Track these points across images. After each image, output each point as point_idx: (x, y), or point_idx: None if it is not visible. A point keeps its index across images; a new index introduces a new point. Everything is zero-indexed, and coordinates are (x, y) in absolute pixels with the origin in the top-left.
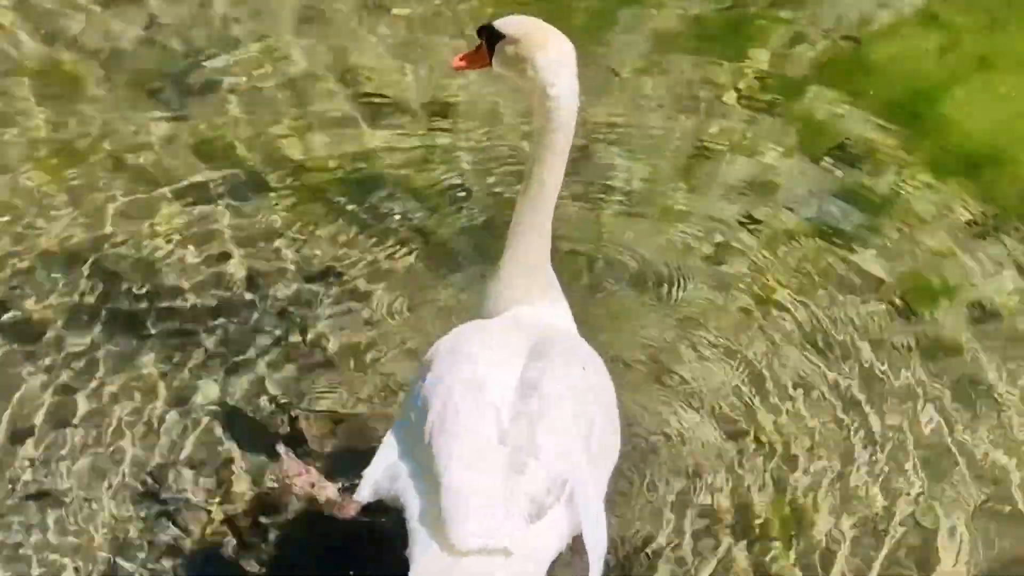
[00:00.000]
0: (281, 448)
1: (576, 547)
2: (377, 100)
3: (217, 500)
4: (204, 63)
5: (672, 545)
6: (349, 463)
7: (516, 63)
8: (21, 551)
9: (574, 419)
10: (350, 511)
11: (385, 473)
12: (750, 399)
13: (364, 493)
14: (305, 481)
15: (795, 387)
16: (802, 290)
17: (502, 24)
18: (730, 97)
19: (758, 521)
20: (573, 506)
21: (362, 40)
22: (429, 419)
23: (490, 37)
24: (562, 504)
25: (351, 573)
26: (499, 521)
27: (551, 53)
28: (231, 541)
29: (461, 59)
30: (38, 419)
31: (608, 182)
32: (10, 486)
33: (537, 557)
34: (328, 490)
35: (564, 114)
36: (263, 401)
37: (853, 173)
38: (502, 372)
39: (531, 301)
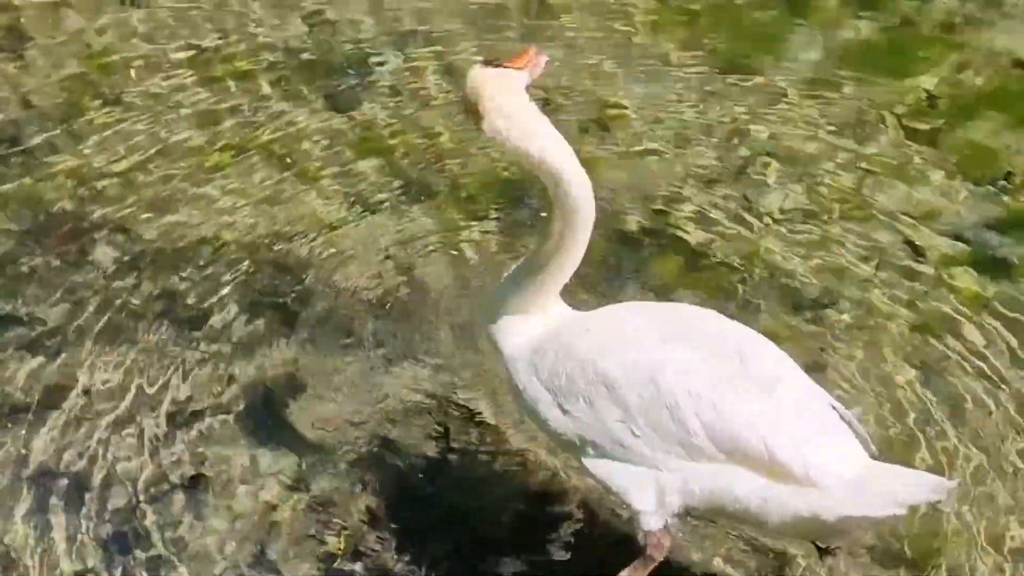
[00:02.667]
0: None
1: None
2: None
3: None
4: (372, 62)
5: None
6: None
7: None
8: (173, 533)
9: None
10: (666, 541)
11: (652, 492)
12: (897, 426)
13: (658, 521)
14: None
15: (951, 418)
16: (957, 319)
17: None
18: (894, 121)
19: None
20: None
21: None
22: (662, 414)
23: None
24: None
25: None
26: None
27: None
28: None
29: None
30: (199, 404)
31: (765, 201)
32: (163, 470)
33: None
34: None
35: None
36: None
37: (1017, 203)
38: (670, 350)
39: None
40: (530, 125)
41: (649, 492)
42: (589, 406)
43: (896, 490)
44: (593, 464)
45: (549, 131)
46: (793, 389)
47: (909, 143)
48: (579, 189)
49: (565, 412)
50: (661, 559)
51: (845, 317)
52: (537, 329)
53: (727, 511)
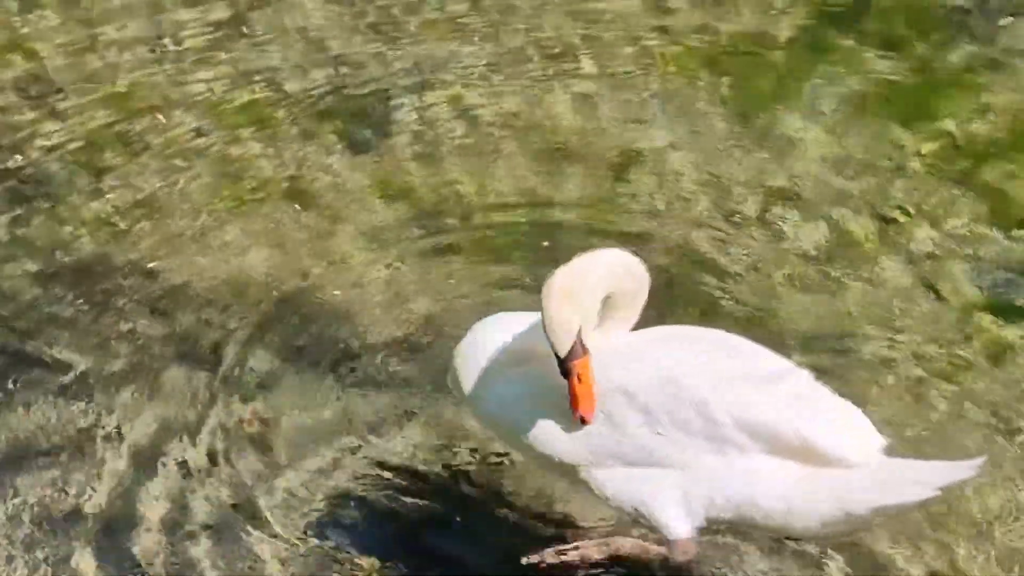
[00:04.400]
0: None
1: None
2: (559, 150)
3: None
4: (391, 105)
5: None
6: None
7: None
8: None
9: None
10: (692, 550)
11: (676, 500)
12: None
13: (686, 529)
14: (609, 551)
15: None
16: (977, 366)
17: (561, 349)
18: (917, 163)
19: None
20: None
21: (548, 91)
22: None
23: (568, 359)
24: None
25: None
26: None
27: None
28: None
29: (583, 416)
30: (219, 446)
31: (785, 244)
32: (185, 514)
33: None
34: (646, 547)
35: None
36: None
37: None
38: (681, 353)
39: None
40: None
41: (672, 501)
42: (607, 419)
43: (926, 475)
44: (611, 482)
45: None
46: (806, 380)
47: (932, 186)
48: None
49: (577, 431)
50: (685, 561)
51: (867, 360)
52: (514, 370)
53: (754, 515)
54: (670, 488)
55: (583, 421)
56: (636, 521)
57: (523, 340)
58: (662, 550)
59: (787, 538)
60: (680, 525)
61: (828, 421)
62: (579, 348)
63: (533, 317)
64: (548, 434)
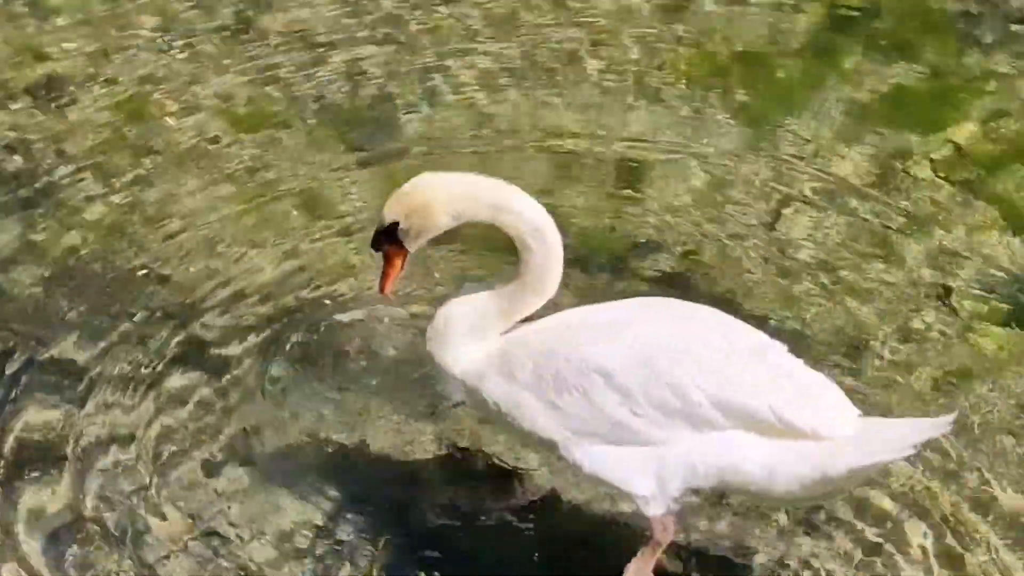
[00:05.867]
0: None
1: None
2: (569, 158)
3: None
4: (404, 114)
5: None
6: None
7: (427, 233)
8: None
9: None
10: (670, 526)
11: (653, 477)
12: (927, 480)
13: (660, 507)
14: None
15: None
16: (992, 371)
17: (383, 216)
18: (927, 170)
19: None
20: None
21: (557, 97)
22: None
23: (386, 237)
24: None
25: None
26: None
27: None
28: None
29: (384, 287)
30: (226, 453)
31: (796, 253)
32: (191, 519)
33: None
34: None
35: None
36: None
37: None
38: (656, 331)
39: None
40: (479, 193)
41: (649, 477)
42: (583, 397)
43: (901, 434)
44: (589, 458)
45: (491, 183)
46: (780, 354)
47: (941, 194)
48: (544, 226)
49: (556, 408)
50: (668, 543)
51: (875, 365)
52: (493, 345)
53: (733, 484)
54: (647, 465)
55: (381, 291)
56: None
57: (488, 315)
58: (650, 551)
59: (766, 505)
60: (655, 502)
61: (803, 397)
62: (407, 242)
63: (488, 291)
64: (528, 411)
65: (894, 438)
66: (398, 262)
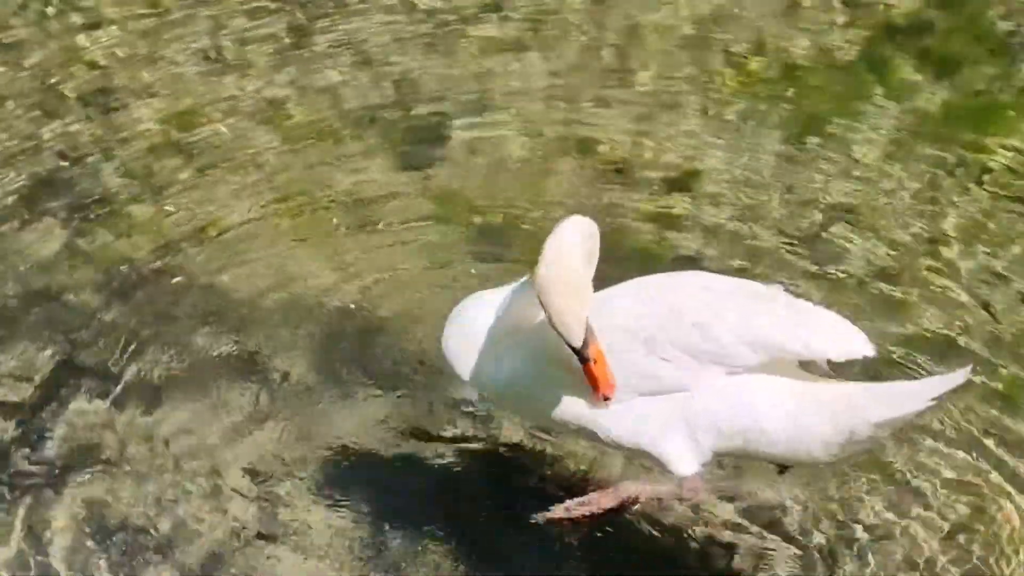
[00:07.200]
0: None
1: None
2: (613, 169)
3: None
4: (448, 122)
5: None
6: None
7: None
8: None
9: None
10: (700, 490)
11: (683, 435)
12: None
13: (692, 465)
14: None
15: None
16: None
17: (575, 341)
18: (975, 186)
19: None
20: None
21: (605, 108)
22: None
23: (584, 348)
24: None
25: None
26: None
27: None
28: None
29: (605, 395)
30: (269, 460)
31: (842, 266)
32: (232, 526)
33: None
34: (655, 488)
35: None
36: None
37: None
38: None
39: None
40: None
41: (679, 436)
42: (610, 353)
43: (920, 388)
44: (616, 427)
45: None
46: (787, 295)
47: (990, 208)
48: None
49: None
50: (694, 502)
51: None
52: (506, 345)
53: (759, 441)
54: (675, 426)
55: (606, 399)
56: (644, 464)
57: (506, 313)
58: (671, 488)
59: (789, 465)
60: (686, 462)
61: (826, 327)
62: (590, 333)
63: (506, 289)
64: (557, 397)
65: (913, 391)
66: (602, 353)
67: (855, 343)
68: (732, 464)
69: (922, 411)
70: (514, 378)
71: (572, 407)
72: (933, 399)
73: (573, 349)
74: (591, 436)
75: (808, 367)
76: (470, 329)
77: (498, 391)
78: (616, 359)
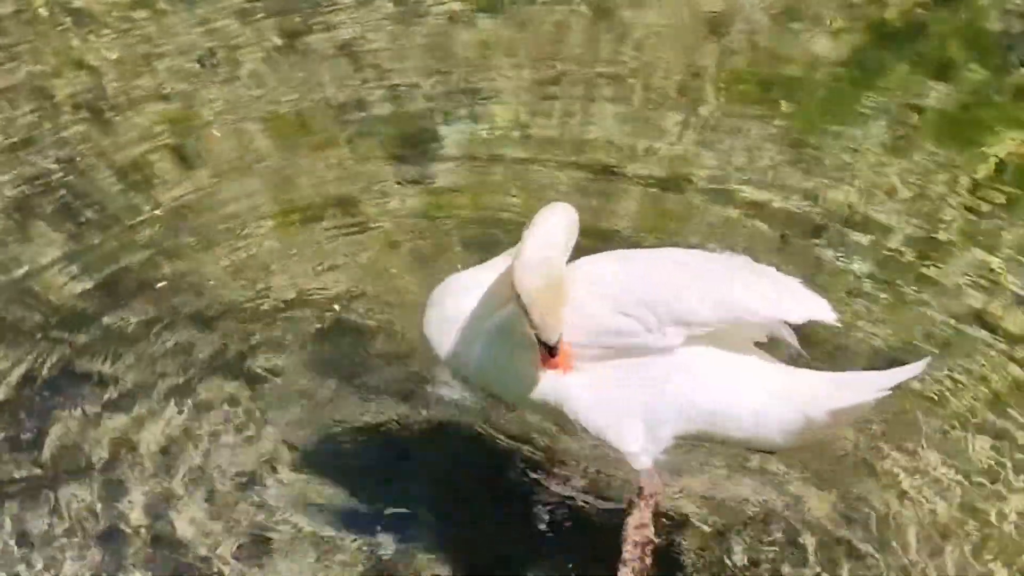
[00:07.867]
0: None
1: None
2: (609, 172)
3: None
4: (444, 130)
5: None
6: None
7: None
8: None
9: None
10: (657, 481)
11: (641, 429)
12: (965, 487)
13: (645, 460)
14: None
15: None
16: None
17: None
18: (967, 189)
19: None
20: None
21: (599, 113)
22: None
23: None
24: None
25: None
26: None
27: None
28: None
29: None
30: (266, 464)
31: (839, 265)
32: (227, 530)
33: None
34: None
35: None
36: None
37: None
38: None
39: None
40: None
41: (637, 430)
42: (574, 309)
43: (877, 377)
44: (584, 412)
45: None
46: (752, 263)
47: (981, 213)
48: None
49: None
50: (660, 496)
51: (916, 388)
52: (484, 326)
53: (723, 425)
54: (636, 414)
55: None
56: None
57: (483, 294)
58: (644, 504)
59: (748, 450)
60: (644, 454)
61: (794, 292)
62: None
63: (487, 266)
64: (532, 378)
65: (872, 381)
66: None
67: (818, 307)
68: (723, 466)
69: (878, 399)
70: (488, 358)
71: (543, 386)
72: (889, 389)
73: (543, 344)
74: (561, 417)
75: (773, 352)
76: (449, 310)
77: (473, 371)
78: (578, 313)
